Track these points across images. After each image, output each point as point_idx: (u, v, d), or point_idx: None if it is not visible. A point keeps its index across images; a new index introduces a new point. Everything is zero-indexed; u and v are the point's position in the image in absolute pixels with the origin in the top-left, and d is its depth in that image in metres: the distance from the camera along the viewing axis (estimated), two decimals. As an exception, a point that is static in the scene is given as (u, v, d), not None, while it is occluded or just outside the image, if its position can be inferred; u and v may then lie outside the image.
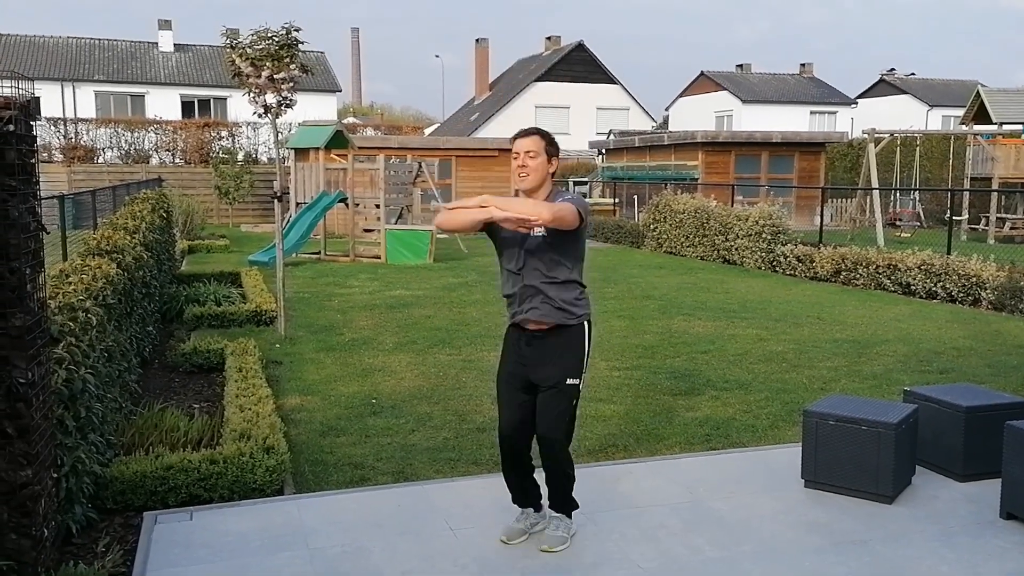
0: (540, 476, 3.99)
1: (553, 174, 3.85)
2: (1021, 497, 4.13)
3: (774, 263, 14.83)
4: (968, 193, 22.68)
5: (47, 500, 3.38)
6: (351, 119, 46.15)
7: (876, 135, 21.59)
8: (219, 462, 4.51)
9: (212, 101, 36.71)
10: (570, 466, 3.90)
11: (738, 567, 3.74)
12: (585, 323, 3.88)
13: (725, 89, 47.62)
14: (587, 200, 29.37)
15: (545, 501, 4.03)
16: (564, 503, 3.95)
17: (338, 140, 17.63)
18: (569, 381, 3.81)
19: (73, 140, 28.09)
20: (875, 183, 20.79)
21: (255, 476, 4.52)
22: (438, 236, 17.13)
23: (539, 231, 3.70)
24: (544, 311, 3.78)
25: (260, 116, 8.67)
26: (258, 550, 3.89)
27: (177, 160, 29.09)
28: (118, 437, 4.97)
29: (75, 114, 32.26)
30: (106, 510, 4.31)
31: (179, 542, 3.96)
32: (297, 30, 8.38)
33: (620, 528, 4.12)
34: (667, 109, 53.41)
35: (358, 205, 16.99)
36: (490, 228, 3.80)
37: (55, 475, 3.61)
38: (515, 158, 3.81)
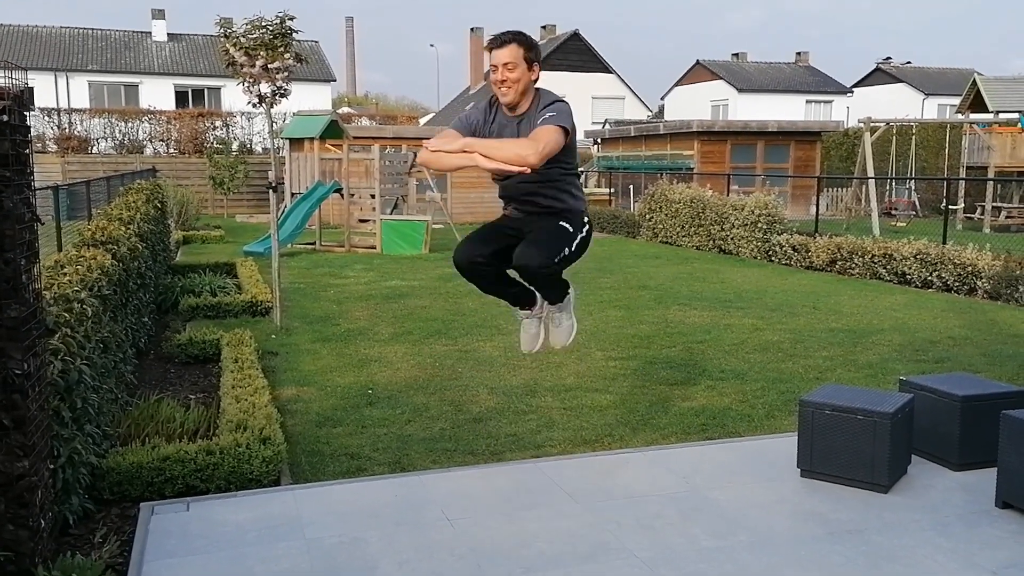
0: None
1: (535, 81, 3.62)
2: (1017, 486, 4.15)
3: (770, 253, 14.85)
4: (964, 182, 22.71)
5: (44, 491, 3.38)
6: (346, 109, 46.03)
7: (872, 124, 21.59)
8: (215, 453, 4.50)
9: (206, 91, 36.59)
10: (559, 272, 3.72)
11: (735, 556, 3.75)
12: (586, 218, 3.80)
13: (721, 78, 47.58)
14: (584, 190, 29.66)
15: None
16: (557, 296, 3.82)
17: (333, 130, 17.60)
18: (561, 223, 3.65)
19: (67, 130, 27.99)
20: (871, 172, 20.80)
21: (252, 467, 4.52)
22: (434, 226, 17.11)
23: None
24: (544, 203, 3.69)
25: (254, 106, 8.63)
26: (255, 540, 3.89)
27: (171, 150, 29.00)
28: (114, 428, 4.96)
29: (69, 104, 32.14)
30: (103, 501, 4.31)
31: (176, 533, 3.96)
32: (291, 19, 8.33)
33: (616, 518, 4.13)
34: (663, 98, 53.36)
35: (353, 195, 16.96)
36: None
37: (51, 466, 3.60)
38: (493, 71, 3.58)
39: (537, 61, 3.63)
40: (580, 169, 31.53)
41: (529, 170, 3.41)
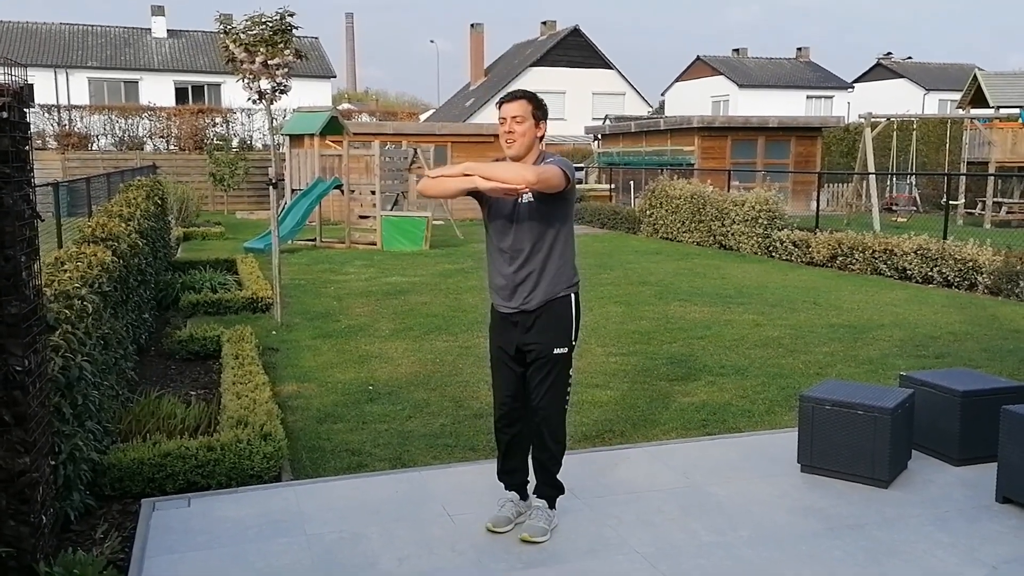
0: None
1: (541, 138, 3.75)
2: (1017, 481, 4.15)
3: (770, 248, 14.84)
4: (965, 177, 22.68)
5: (45, 487, 3.38)
6: (346, 105, 45.96)
7: (872, 119, 21.57)
8: (216, 449, 4.51)
9: (206, 87, 36.55)
10: (562, 440, 3.85)
11: (735, 552, 3.76)
12: (572, 294, 3.88)
13: (721, 74, 47.50)
14: (581, 182, 29.11)
15: (531, 488, 4.01)
16: (549, 486, 3.90)
17: (333, 126, 17.57)
18: (556, 351, 3.79)
19: (67, 127, 27.97)
20: (871, 168, 20.78)
21: (252, 463, 4.53)
22: (434, 222, 17.11)
23: (527, 196, 3.64)
24: (535, 295, 3.76)
25: (254, 102, 8.62)
26: (256, 536, 3.90)
27: (171, 147, 28.98)
28: (115, 424, 4.97)
29: (69, 101, 32.13)
30: (104, 497, 4.32)
31: (177, 528, 3.97)
32: (291, 15, 8.33)
33: (617, 513, 4.14)
34: (663, 94, 53.28)
35: (353, 191, 16.96)
36: (478, 193, 3.73)
37: (53, 462, 3.61)
38: (502, 123, 3.71)
39: (544, 119, 3.76)
40: (581, 165, 31.49)
41: (527, 189, 3.51)
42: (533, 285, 3.78)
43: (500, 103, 3.74)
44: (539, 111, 3.73)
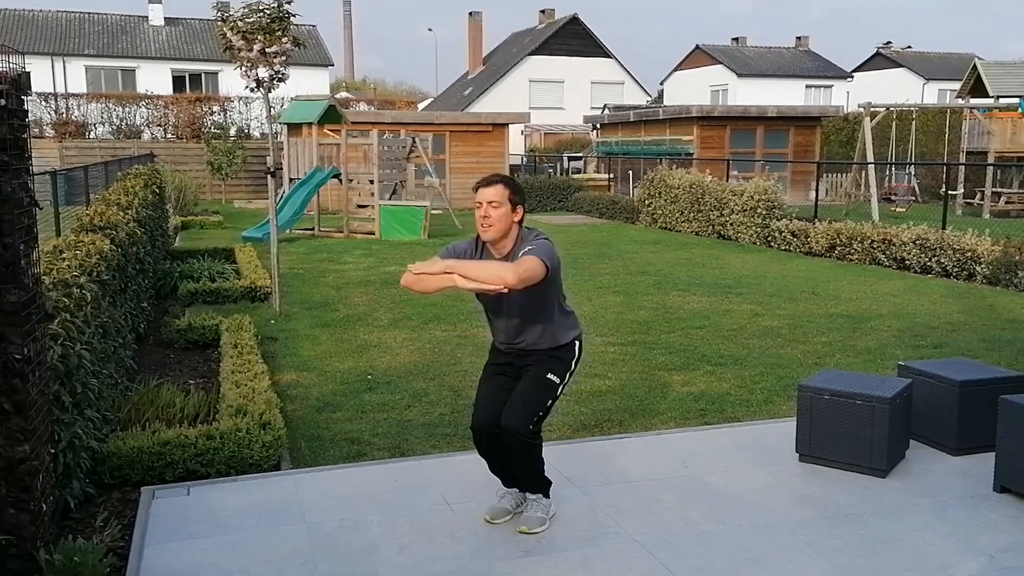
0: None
1: (520, 221, 3.73)
2: (1015, 470, 4.16)
3: (769, 238, 14.84)
4: (964, 167, 22.67)
5: (45, 475, 3.38)
6: (344, 94, 45.82)
7: (872, 109, 21.53)
8: (216, 438, 4.51)
9: (203, 75, 36.42)
10: (538, 450, 3.81)
11: (733, 540, 3.77)
12: (577, 341, 3.89)
13: (720, 63, 47.40)
14: (580, 173, 29.05)
15: None
16: (537, 484, 3.90)
17: (331, 115, 17.51)
18: (549, 375, 3.78)
19: (64, 115, 27.88)
20: (870, 157, 20.77)
21: (252, 451, 4.53)
22: (433, 212, 17.09)
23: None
24: (535, 342, 3.79)
25: (252, 90, 8.59)
26: (256, 525, 3.91)
27: (169, 135, 28.89)
28: (115, 413, 4.97)
29: (66, 89, 32.00)
30: (104, 485, 4.33)
31: (177, 517, 3.98)
32: (289, 2, 8.29)
33: (616, 502, 4.15)
34: (662, 83, 53.18)
35: (352, 181, 16.92)
36: None
37: (52, 450, 3.61)
38: (478, 207, 3.68)
39: (522, 204, 3.74)
40: (579, 154, 31.39)
41: (507, 289, 3.48)
42: (535, 347, 3.80)
43: (477, 186, 3.72)
44: (516, 196, 3.71)
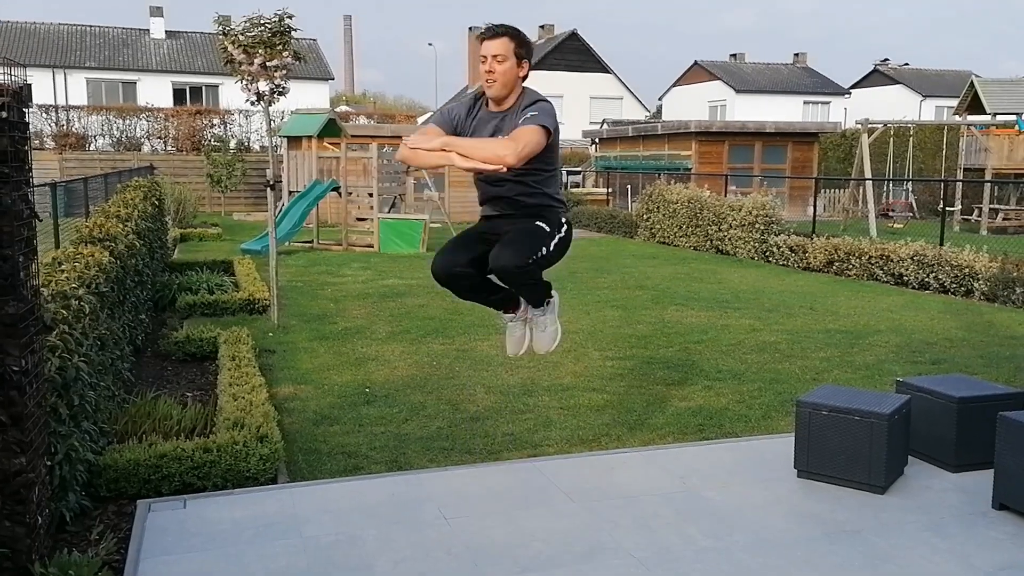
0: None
1: (524, 77, 3.55)
2: (1013, 488, 4.15)
3: (767, 253, 14.86)
4: (961, 184, 22.74)
5: (41, 488, 3.37)
6: (344, 107, 45.94)
7: (869, 125, 21.61)
8: (212, 451, 4.50)
9: (204, 88, 36.54)
10: (538, 274, 3.63)
11: (731, 556, 3.76)
12: (564, 217, 3.75)
13: (719, 79, 47.62)
14: (579, 187, 29.04)
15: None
16: (539, 298, 3.76)
17: (331, 128, 17.59)
18: (537, 223, 3.59)
19: (65, 127, 27.93)
20: (868, 174, 20.83)
21: (249, 465, 4.52)
22: (431, 225, 17.10)
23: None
24: (521, 204, 3.66)
25: (252, 104, 8.62)
26: (252, 538, 3.89)
27: (169, 148, 28.95)
28: (111, 425, 4.96)
29: (66, 101, 32.10)
30: (100, 498, 4.31)
31: (173, 530, 3.96)
32: (290, 17, 8.33)
33: (613, 517, 4.14)
34: (660, 99, 53.39)
35: (351, 194, 16.95)
36: None
37: (49, 463, 3.60)
38: (482, 62, 3.49)
39: (527, 58, 3.55)
40: (578, 169, 31.48)
41: (506, 169, 3.35)
42: (524, 204, 3.66)
43: (481, 38, 3.52)
44: (522, 49, 3.51)
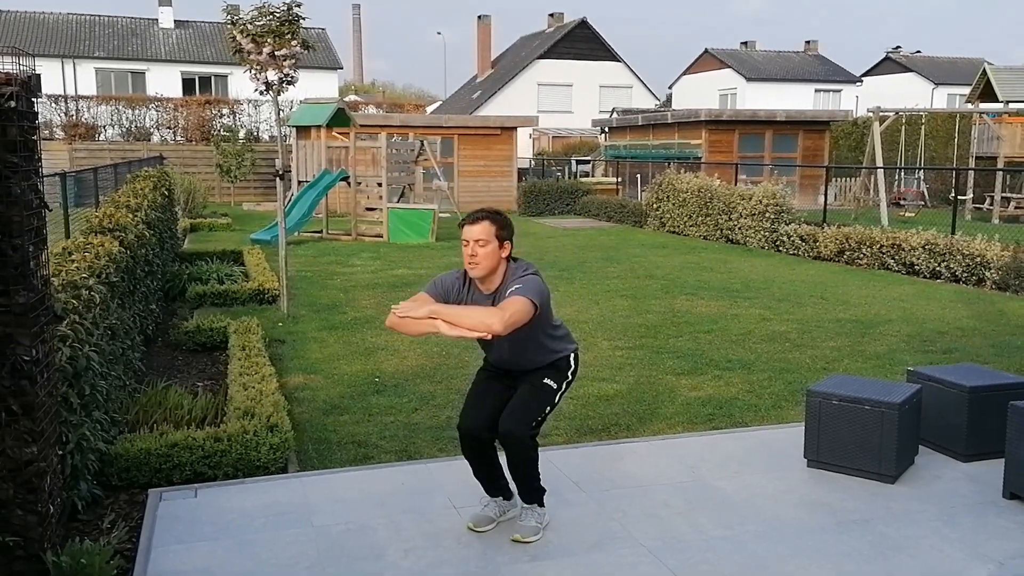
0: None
1: (508, 257, 3.66)
2: (1024, 477, 4.13)
3: (777, 243, 14.80)
4: (973, 172, 22.58)
5: (52, 477, 3.39)
6: (353, 97, 45.96)
7: (881, 113, 21.47)
8: (223, 440, 4.52)
9: (213, 78, 36.55)
10: (535, 458, 3.74)
11: (741, 546, 3.76)
12: (572, 355, 3.85)
13: (729, 67, 47.38)
14: (588, 177, 28.92)
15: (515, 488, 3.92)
16: (532, 493, 3.83)
17: (340, 118, 17.55)
18: (546, 381, 3.73)
19: (74, 117, 28.01)
20: (879, 162, 20.70)
21: (259, 454, 4.54)
22: (441, 215, 17.09)
23: None
24: (529, 363, 3.76)
25: (261, 93, 8.62)
26: (263, 527, 3.91)
27: (178, 138, 29.01)
28: (122, 415, 4.98)
29: (76, 91, 32.14)
30: (111, 487, 4.33)
31: (184, 519, 3.98)
32: (298, 5, 8.31)
33: (623, 507, 4.14)
34: (670, 87, 53.17)
35: (360, 184, 16.95)
36: None
37: (60, 452, 3.62)
38: (465, 245, 3.61)
39: (508, 239, 3.66)
40: (587, 158, 31.34)
41: (491, 337, 3.42)
42: (529, 366, 3.77)
43: (463, 223, 3.64)
44: (503, 231, 3.62)
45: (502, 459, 3.84)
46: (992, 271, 10.99)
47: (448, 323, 3.43)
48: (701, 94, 47.41)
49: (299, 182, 17.33)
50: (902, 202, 22.82)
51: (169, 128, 29.12)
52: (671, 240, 16.65)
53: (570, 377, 3.87)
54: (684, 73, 51.68)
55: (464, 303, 3.71)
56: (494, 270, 3.64)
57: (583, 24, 45.05)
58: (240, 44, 8.25)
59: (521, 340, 3.65)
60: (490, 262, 3.61)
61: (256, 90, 8.58)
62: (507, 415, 3.66)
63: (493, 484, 3.92)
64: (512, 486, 3.91)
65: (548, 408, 3.77)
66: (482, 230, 3.59)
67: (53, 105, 27.91)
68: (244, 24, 8.24)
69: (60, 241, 6.15)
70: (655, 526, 3.94)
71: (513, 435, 3.62)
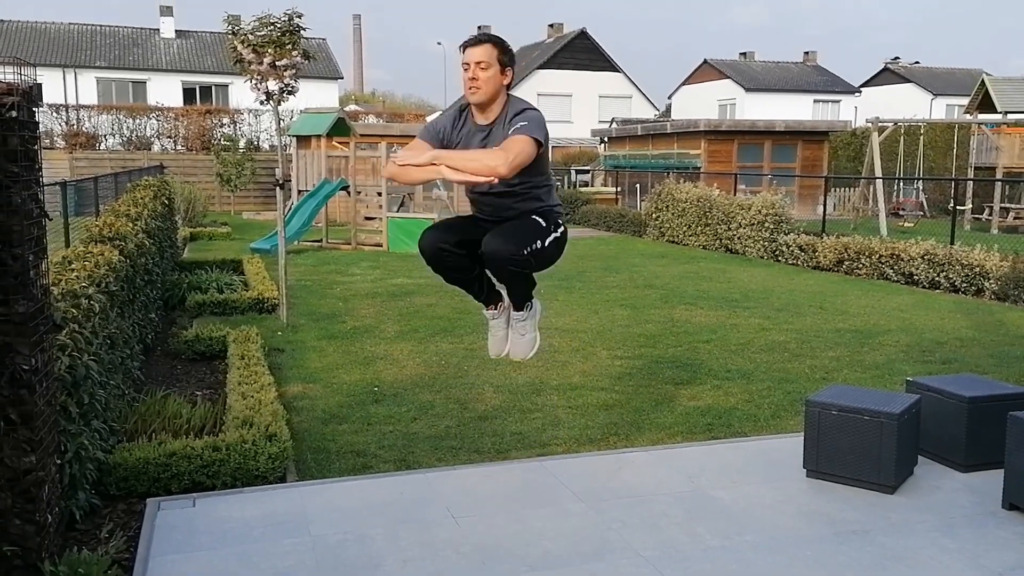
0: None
1: (508, 85, 3.50)
2: (1023, 488, 4.13)
3: (776, 252, 14.81)
4: (972, 183, 22.62)
5: (50, 486, 3.39)
6: (353, 106, 46.03)
7: (880, 124, 21.52)
8: (222, 449, 4.51)
9: (213, 88, 36.65)
10: (531, 269, 3.55)
11: (740, 556, 3.75)
12: (559, 216, 3.71)
13: (728, 77, 47.51)
14: (588, 187, 28.93)
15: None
16: (523, 298, 3.67)
17: (340, 128, 17.60)
18: (534, 217, 3.54)
19: (75, 127, 28.06)
20: (878, 172, 20.74)
21: (258, 463, 4.53)
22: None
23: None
24: (516, 211, 3.61)
25: (262, 103, 8.64)
26: (261, 537, 3.90)
27: (179, 147, 29.06)
28: (121, 424, 4.97)
29: (77, 100, 32.22)
30: (109, 496, 4.32)
31: (182, 528, 3.97)
32: (299, 16, 8.34)
33: (622, 517, 4.13)
34: (670, 97, 53.28)
35: (360, 193, 16.97)
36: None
37: (58, 461, 3.61)
38: (465, 69, 3.43)
39: (511, 66, 3.51)
40: (587, 168, 31.41)
41: (497, 180, 3.30)
42: (519, 208, 3.62)
43: (463, 47, 3.46)
44: (505, 56, 3.47)
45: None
46: (991, 281, 11.00)
47: (451, 168, 3.30)
48: (700, 104, 47.52)
49: (299, 191, 17.36)
50: (901, 212, 22.85)
51: (170, 137, 29.19)
52: (670, 250, 16.67)
53: (558, 233, 3.65)
54: (683, 83, 51.82)
55: (458, 136, 3.57)
56: (494, 97, 3.47)
57: (583, 35, 45.21)
58: (241, 54, 8.27)
59: (521, 182, 3.49)
60: (491, 87, 3.44)
61: (257, 100, 8.61)
62: (491, 239, 3.45)
63: (478, 290, 3.74)
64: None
65: (537, 242, 3.55)
66: (484, 52, 3.44)
67: (54, 114, 27.98)
68: (245, 34, 8.26)
69: (60, 250, 6.15)
70: (653, 536, 3.94)
71: (500, 252, 3.42)
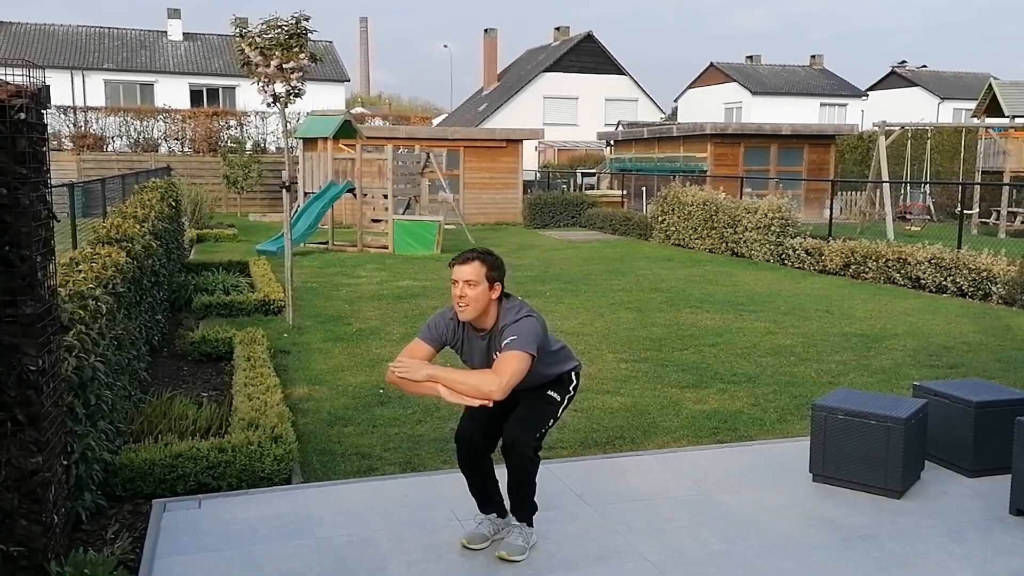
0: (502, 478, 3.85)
1: (498, 298, 3.59)
2: (1030, 493, 4.11)
3: (783, 256, 14.79)
4: (979, 187, 22.54)
5: (57, 487, 3.39)
6: (359, 109, 46.11)
7: (887, 128, 21.47)
8: (227, 451, 4.52)
9: (221, 90, 36.72)
10: (536, 471, 3.69)
11: (745, 561, 3.74)
12: (572, 372, 3.82)
13: (735, 81, 47.42)
14: (593, 189, 28.86)
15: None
16: (525, 510, 3.78)
17: (346, 130, 17.62)
18: (549, 392, 3.70)
19: (83, 128, 28.14)
20: (885, 176, 20.69)
21: (263, 465, 4.54)
22: (446, 227, 17.11)
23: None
24: (529, 384, 3.69)
25: (269, 105, 8.66)
26: (266, 539, 3.90)
27: (186, 149, 29.13)
28: (127, 425, 4.99)
29: (84, 102, 32.32)
30: (115, 497, 4.33)
31: (187, 530, 3.98)
32: (306, 19, 8.36)
33: (627, 520, 4.12)
34: (676, 100, 53.23)
35: (366, 195, 16.99)
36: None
37: (65, 462, 3.62)
38: (454, 285, 3.53)
39: (500, 280, 3.59)
40: (593, 171, 31.37)
41: (491, 403, 3.41)
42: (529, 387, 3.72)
43: (452, 263, 3.57)
44: (493, 272, 3.55)
45: (500, 479, 3.81)
46: (998, 286, 10.96)
47: (447, 388, 3.42)
48: (706, 107, 47.45)
49: (305, 193, 17.38)
50: (908, 216, 22.79)
51: (177, 139, 29.24)
52: (676, 253, 16.65)
53: (572, 391, 3.84)
54: (690, 87, 51.75)
55: (461, 343, 3.69)
56: (484, 312, 3.56)
57: (589, 38, 45.16)
58: (248, 57, 8.30)
59: (520, 389, 3.60)
60: (479, 304, 3.53)
61: (264, 102, 8.63)
62: (512, 424, 3.62)
63: (488, 499, 3.86)
64: (507, 504, 3.85)
65: (551, 420, 3.74)
66: (472, 270, 3.51)
67: (62, 116, 28.06)
68: (253, 37, 8.29)
69: (67, 251, 6.17)
70: (659, 540, 3.93)
71: (518, 443, 3.57)
